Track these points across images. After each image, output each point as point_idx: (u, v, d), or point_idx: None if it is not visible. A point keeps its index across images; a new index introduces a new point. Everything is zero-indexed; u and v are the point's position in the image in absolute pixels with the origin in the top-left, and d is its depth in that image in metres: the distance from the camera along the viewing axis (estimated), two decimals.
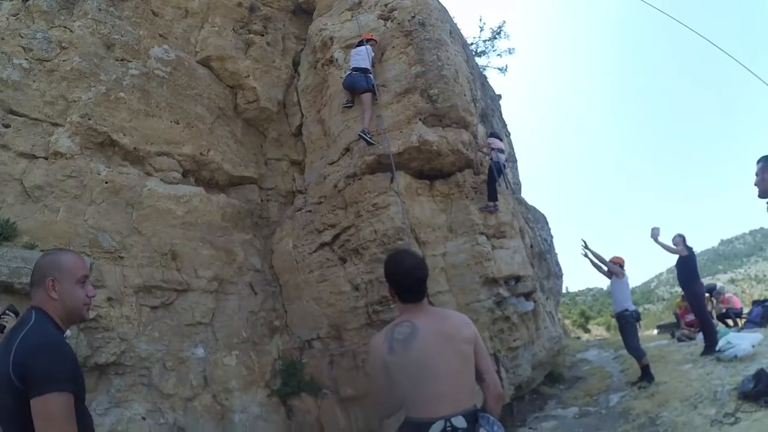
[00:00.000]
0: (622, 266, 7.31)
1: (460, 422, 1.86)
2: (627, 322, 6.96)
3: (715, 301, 10.48)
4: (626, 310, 6.94)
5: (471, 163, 6.52)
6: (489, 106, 9.67)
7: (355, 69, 6.08)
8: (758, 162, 3.70)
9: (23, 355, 1.59)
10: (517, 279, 6.36)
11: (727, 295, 10.88)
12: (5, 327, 2.68)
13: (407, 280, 2.18)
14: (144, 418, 4.44)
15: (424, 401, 1.91)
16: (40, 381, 1.55)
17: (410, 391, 1.95)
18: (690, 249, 7.38)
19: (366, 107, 5.97)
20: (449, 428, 1.85)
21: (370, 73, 6.07)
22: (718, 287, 11.23)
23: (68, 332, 2.13)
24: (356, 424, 5.66)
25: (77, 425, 1.64)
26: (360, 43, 6.27)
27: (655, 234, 7.37)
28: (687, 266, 7.39)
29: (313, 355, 6.11)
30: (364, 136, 5.85)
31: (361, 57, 6.11)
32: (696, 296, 7.50)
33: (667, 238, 7.49)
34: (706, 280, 9.27)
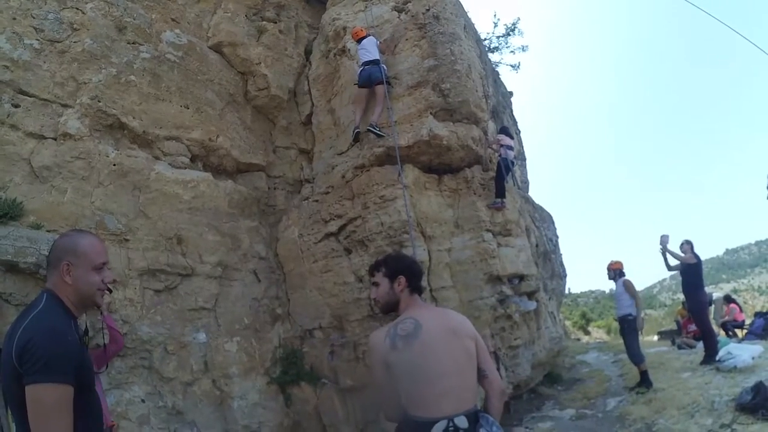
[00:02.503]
0: (621, 271, 7.28)
1: (462, 422, 1.83)
2: (629, 327, 6.94)
3: (713, 310, 10.40)
4: (629, 314, 6.92)
5: (480, 159, 6.49)
6: (500, 102, 9.62)
7: (367, 63, 6.00)
8: None
9: (25, 341, 1.56)
10: (521, 278, 6.35)
11: (731, 305, 10.81)
12: None
13: (418, 267, 2.36)
14: (143, 401, 4.46)
15: (428, 399, 1.88)
16: (36, 369, 1.52)
17: (413, 388, 1.91)
18: (697, 257, 7.33)
19: (379, 100, 5.90)
20: (451, 428, 1.82)
21: (382, 64, 6.00)
22: (714, 297, 11.14)
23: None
24: (354, 415, 5.68)
25: (84, 414, 1.62)
26: (364, 37, 6.19)
27: (664, 242, 7.32)
28: (693, 274, 7.36)
29: (314, 345, 6.13)
30: (373, 129, 5.80)
31: (370, 49, 6.05)
32: (699, 305, 7.47)
33: (674, 243, 7.46)
34: (708, 289, 9.23)
